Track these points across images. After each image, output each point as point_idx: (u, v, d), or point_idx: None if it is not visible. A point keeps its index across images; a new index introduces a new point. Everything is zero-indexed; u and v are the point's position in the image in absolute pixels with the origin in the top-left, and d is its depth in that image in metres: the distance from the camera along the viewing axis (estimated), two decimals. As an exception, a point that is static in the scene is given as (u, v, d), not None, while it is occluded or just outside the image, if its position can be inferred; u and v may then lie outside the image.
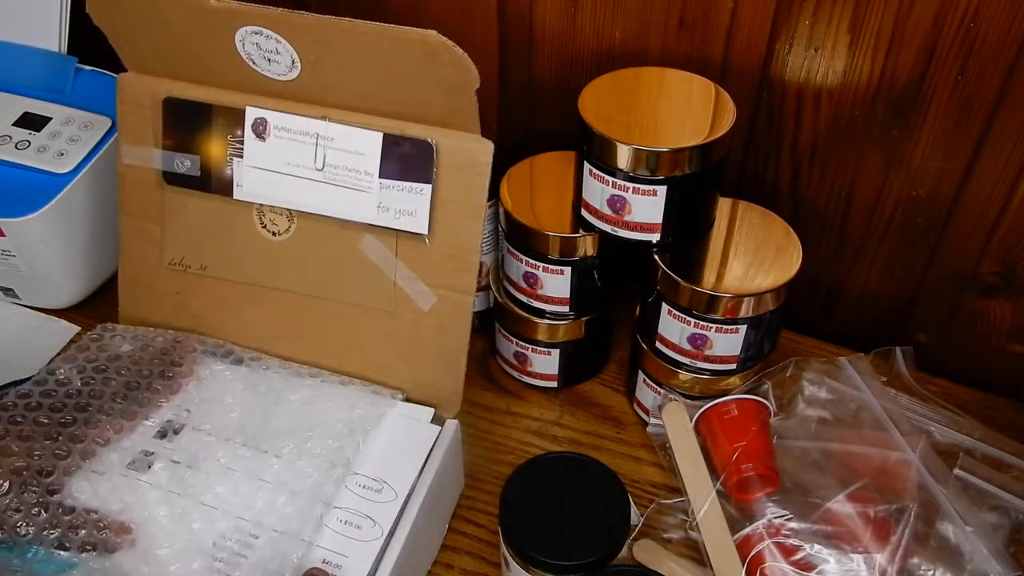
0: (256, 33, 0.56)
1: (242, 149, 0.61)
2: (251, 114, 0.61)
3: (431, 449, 0.58)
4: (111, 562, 0.52)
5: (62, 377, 0.60)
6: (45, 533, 0.52)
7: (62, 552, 0.52)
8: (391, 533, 0.54)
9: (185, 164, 0.63)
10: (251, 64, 0.58)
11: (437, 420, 0.61)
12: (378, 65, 0.55)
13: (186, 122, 0.62)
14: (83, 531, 0.53)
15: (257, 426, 0.59)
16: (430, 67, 0.53)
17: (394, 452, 0.58)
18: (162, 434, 0.58)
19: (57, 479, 0.54)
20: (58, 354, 0.73)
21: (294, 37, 0.55)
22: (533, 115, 0.77)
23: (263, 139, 0.60)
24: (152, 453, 0.57)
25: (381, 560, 0.53)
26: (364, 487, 0.56)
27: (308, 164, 0.60)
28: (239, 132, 0.61)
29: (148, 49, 0.60)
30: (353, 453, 0.57)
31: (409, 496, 0.56)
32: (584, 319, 0.68)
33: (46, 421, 0.57)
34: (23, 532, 0.51)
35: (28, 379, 0.66)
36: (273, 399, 0.61)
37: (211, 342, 0.65)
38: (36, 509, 0.53)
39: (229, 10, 0.55)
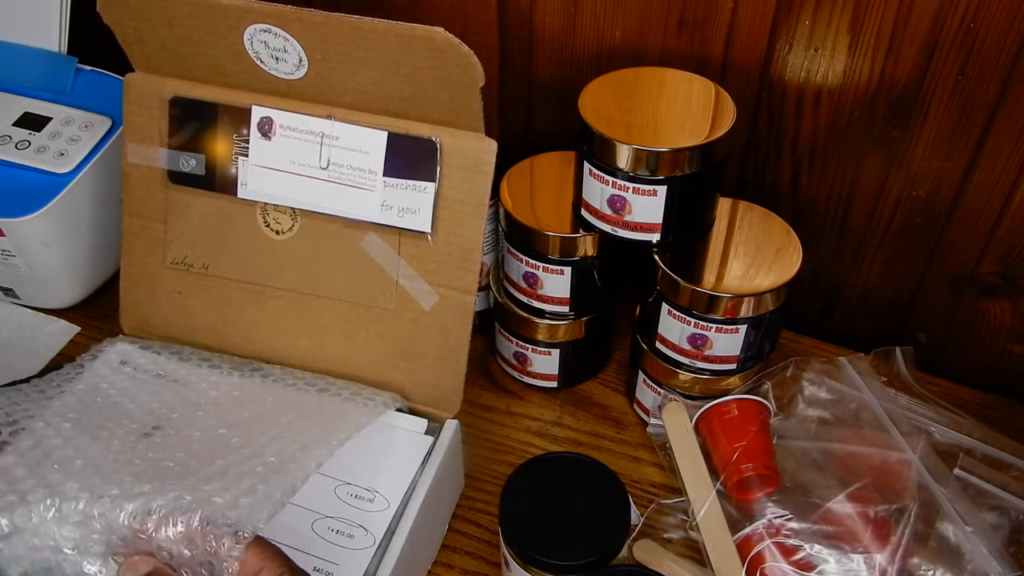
0: (265, 31, 0.56)
1: (247, 148, 0.61)
2: (257, 113, 0.61)
3: (424, 459, 0.57)
4: None
5: None
6: None
7: None
8: (389, 536, 0.54)
9: (190, 163, 0.63)
10: (259, 63, 0.58)
11: (436, 421, 0.61)
12: (384, 62, 0.55)
13: (192, 121, 0.62)
14: None
15: (242, 433, 0.58)
16: (436, 64, 0.53)
17: (388, 463, 0.57)
18: (143, 437, 0.58)
19: None
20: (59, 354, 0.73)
21: (302, 35, 0.55)
22: (533, 115, 0.77)
23: (269, 138, 0.60)
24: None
25: (381, 562, 0.53)
26: (356, 496, 0.55)
27: (313, 163, 0.60)
28: (245, 131, 0.61)
29: (156, 48, 0.60)
30: (336, 460, 0.56)
31: (404, 505, 0.55)
32: (584, 319, 0.68)
33: None
34: None
35: (28, 379, 0.66)
36: (263, 406, 0.60)
37: (208, 355, 0.65)
38: None
39: (238, 7, 0.56)
